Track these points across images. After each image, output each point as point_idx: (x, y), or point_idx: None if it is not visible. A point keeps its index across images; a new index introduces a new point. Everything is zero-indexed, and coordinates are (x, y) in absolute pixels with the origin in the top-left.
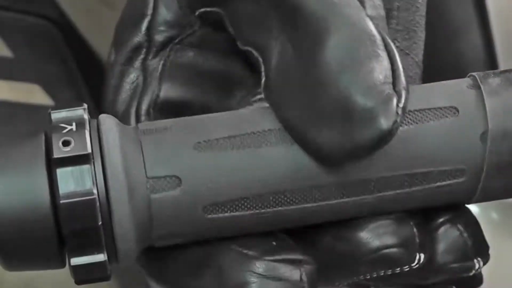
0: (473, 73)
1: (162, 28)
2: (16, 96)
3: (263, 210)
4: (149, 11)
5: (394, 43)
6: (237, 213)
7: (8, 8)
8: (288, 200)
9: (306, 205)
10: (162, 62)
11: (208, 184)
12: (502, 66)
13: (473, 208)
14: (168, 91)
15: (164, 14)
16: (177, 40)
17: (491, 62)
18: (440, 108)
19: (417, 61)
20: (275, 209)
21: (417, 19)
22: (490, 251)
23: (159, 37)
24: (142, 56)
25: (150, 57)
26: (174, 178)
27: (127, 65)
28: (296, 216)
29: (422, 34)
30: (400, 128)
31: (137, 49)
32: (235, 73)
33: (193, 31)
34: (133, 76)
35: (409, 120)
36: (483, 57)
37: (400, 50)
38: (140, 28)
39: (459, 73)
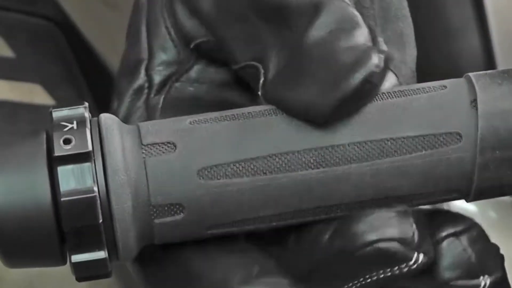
0: (469, 74)
1: (160, 68)
2: (18, 96)
3: (258, 177)
4: (145, 55)
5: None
6: (232, 180)
7: (10, 8)
8: (283, 165)
9: (302, 172)
10: (162, 98)
11: (202, 149)
12: (501, 67)
13: (471, 207)
14: None
15: (160, 55)
16: (175, 77)
17: (489, 63)
18: (429, 87)
19: (413, 71)
20: (270, 176)
21: (404, 30)
22: None
23: (158, 77)
24: (144, 96)
25: (152, 95)
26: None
27: (131, 106)
28: (293, 191)
29: (412, 46)
30: (389, 99)
31: (139, 90)
32: (236, 100)
33: (190, 66)
34: (138, 114)
35: (399, 95)
36: (481, 58)
37: (404, 65)
38: (140, 72)
39: (456, 75)
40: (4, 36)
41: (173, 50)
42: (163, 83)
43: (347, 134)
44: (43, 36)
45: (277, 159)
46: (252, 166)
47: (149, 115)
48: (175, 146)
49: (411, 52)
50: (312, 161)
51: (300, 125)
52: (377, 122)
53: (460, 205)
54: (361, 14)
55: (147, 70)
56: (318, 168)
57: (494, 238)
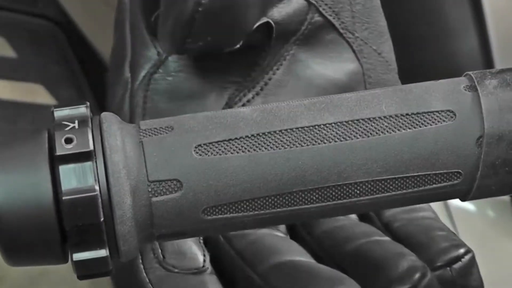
0: (470, 72)
1: (141, 61)
2: (20, 96)
3: (262, 211)
4: (129, 52)
5: (353, 34)
6: (236, 214)
7: (12, 9)
8: (287, 202)
9: (305, 206)
10: (143, 94)
11: (207, 189)
12: (499, 66)
13: (469, 206)
14: (153, 116)
15: (141, 51)
16: (153, 70)
17: (487, 63)
18: (438, 112)
19: (387, 61)
20: (274, 210)
21: (373, 13)
22: (486, 248)
23: (140, 72)
24: (129, 91)
25: (135, 88)
26: (175, 182)
27: (121, 100)
28: (296, 215)
29: (384, 29)
30: (398, 131)
31: (125, 85)
32: (215, 87)
33: (166, 57)
34: (126, 107)
35: (406, 124)
36: (479, 57)
37: (365, 44)
38: (124, 68)
39: (455, 74)
40: (6, 37)
41: (151, 46)
42: (144, 76)
43: (349, 175)
44: (44, 37)
45: (281, 198)
46: (256, 204)
47: (132, 109)
48: (181, 184)
49: (388, 43)
50: (315, 198)
51: (306, 164)
52: (381, 164)
53: (459, 205)
54: (339, 12)
55: (131, 66)
56: (319, 203)
57: (492, 237)
